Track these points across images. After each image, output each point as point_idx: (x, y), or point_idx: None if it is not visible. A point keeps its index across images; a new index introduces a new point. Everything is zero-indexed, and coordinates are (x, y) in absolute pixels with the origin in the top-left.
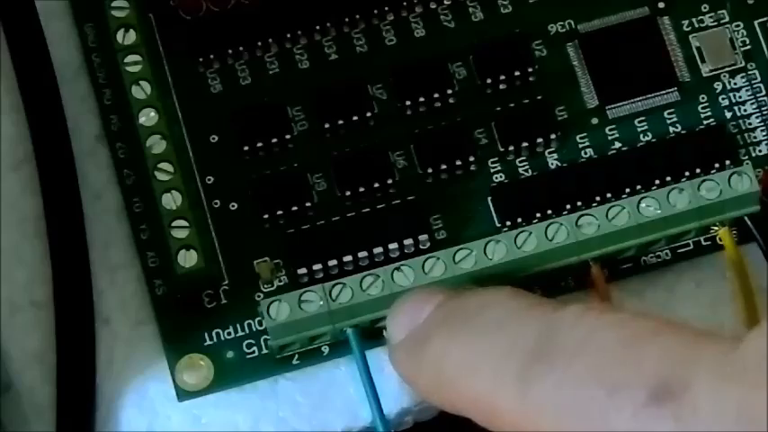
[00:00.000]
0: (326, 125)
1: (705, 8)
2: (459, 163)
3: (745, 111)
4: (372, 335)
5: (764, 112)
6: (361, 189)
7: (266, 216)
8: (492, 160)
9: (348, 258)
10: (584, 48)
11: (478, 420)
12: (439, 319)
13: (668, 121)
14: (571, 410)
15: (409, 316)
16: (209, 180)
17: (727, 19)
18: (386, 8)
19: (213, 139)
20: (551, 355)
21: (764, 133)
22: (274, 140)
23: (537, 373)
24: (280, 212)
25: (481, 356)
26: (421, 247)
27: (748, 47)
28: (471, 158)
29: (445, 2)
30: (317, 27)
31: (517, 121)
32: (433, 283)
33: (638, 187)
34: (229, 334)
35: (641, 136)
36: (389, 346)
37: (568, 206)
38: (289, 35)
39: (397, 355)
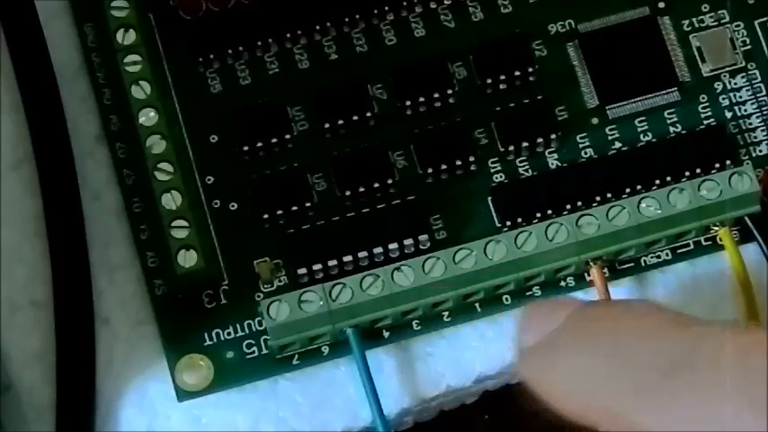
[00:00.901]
0: (326, 125)
1: (705, 8)
2: (459, 163)
3: (745, 111)
4: (372, 335)
5: (765, 112)
6: (361, 189)
7: (266, 216)
8: (492, 160)
9: (348, 258)
10: (585, 48)
11: (608, 429)
12: (574, 327)
13: (668, 121)
14: (713, 429)
15: (541, 322)
16: (209, 180)
17: (727, 19)
18: (386, 8)
19: (213, 139)
20: (694, 372)
21: (765, 133)
22: (274, 140)
23: (678, 389)
24: (280, 212)
25: (620, 369)
26: (421, 247)
27: (749, 47)
28: (471, 158)
29: (445, 2)
30: (317, 27)
31: (517, 121)
32: (437, 283)
33: (639, 187)
34: (229, 334)
35: (641, 136)
36: (518, 351)
37: (569, 206)
38: (289, 35)
39: (528, 361)
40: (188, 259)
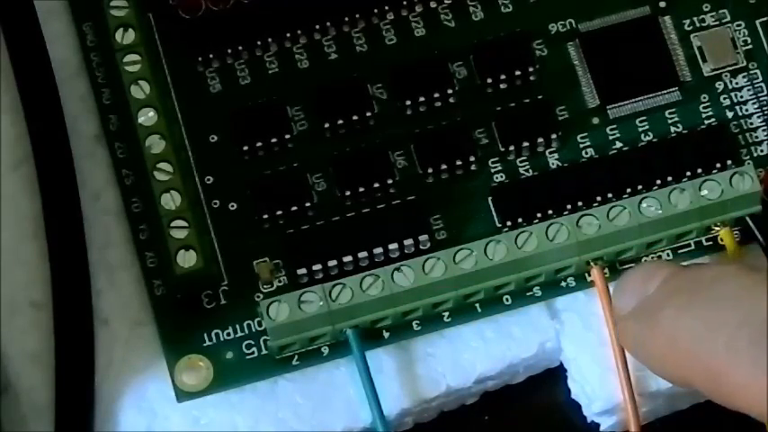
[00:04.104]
0: (326, 125)
1: (706, 7)
2: (459, 163)
3: (746, 110)
4: (372, 335)
5: (766, 112)
6: (361, 189)
7: (266, 216)
8: (492, 160)
9: (348, 258)
10: (585, 47)
11: (708, 391)
12: (670, 290)
13: (669, 121)
14: None
15: (637, 288)
16: (209, 180)
17: (728, 18)
18: (386, 7)
19: (212, 138)
20: None
21: (766, 133)
22: (274, 140)
23: None
24: (279, 212)
25: (715, 328)
26: (421, 247)
27: (749, 46)
28: (471, 158)
29: (445, 1)
30: (317, 26)
31: (518, 121)
32: (437, 283)
33: (640, 187)
34: (229, 335)
35: (642, 136)
36: (617, 318)
37: (569, 206)
38: (288, 34)
39: (627, 326)
40: (187, 259)
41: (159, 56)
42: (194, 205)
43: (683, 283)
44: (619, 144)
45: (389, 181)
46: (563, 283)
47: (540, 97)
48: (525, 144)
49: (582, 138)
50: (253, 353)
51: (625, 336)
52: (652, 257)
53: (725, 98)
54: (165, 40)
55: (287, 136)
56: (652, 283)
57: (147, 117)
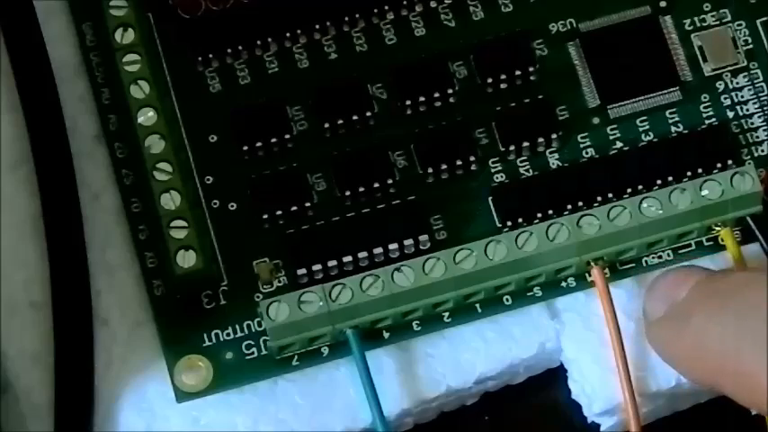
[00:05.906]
0: (326, 125)
1: (707, 7)
2: (459, 163)
3: (747, 110)
4: (372, 336)
5: (767, 112)
6: (361, 189)
7: (266, 216)
8: (493, 160)
9: (348, 259)
10: (586, 47)
11: (738, 396)
12: (700, 297)
13: (670, 121)
14: None
15: (668, 293)
16: (209, 180)
17: (729, 18)
18: (386, 7)
19: (212, 138)
20: None
21: (767, 133)
22: (274, 140)
23: None
24: (279, 212)
25: (746, 336)
26: (421, 247)
27: (750, 46)
28: (472, 158)
29: (446, 1)
30: (317, 26)
31: (518, 121)
32: (438, 283)
33: (640, 187)
34: (228, 335)
35: (643, 135)
36: (646, 323)
37: (569, 206)
38: (288, 34)
39: (657, 331)
40: (187, 260)
41: (159, 56)
42: (194, 205)
43: (713, 290)
44: (619, 144)
45: (389, 181)
46: (563, 284)
47: (540, 97)
48: (525, 144)
49: (582, 138)
50: (253, 353)
51: (654, 339)
52: (653, 257)
53: (725, 98)
54: (165, 40)
55: (287, 136)
56: (683, 289)
57: (146, 117)
